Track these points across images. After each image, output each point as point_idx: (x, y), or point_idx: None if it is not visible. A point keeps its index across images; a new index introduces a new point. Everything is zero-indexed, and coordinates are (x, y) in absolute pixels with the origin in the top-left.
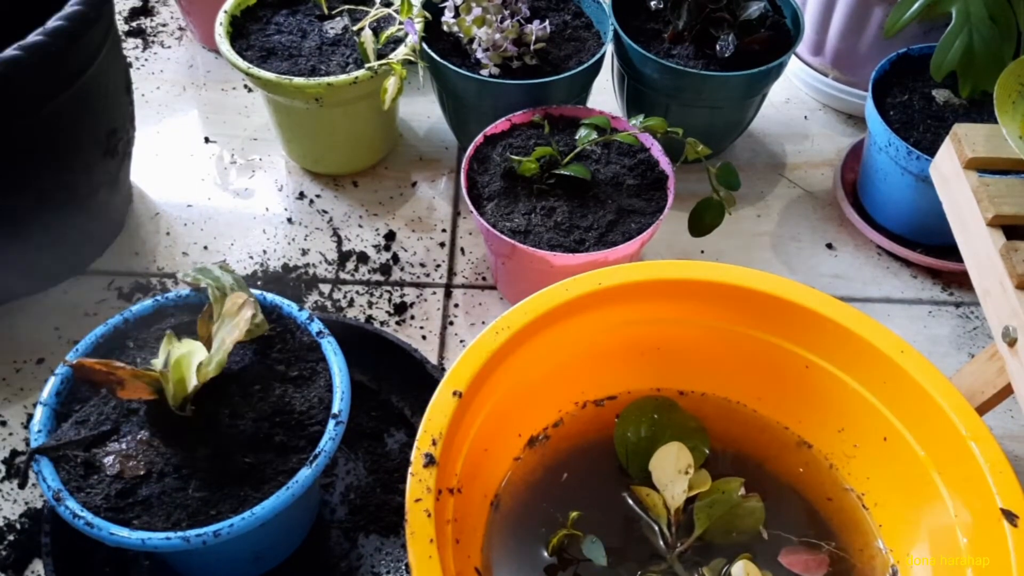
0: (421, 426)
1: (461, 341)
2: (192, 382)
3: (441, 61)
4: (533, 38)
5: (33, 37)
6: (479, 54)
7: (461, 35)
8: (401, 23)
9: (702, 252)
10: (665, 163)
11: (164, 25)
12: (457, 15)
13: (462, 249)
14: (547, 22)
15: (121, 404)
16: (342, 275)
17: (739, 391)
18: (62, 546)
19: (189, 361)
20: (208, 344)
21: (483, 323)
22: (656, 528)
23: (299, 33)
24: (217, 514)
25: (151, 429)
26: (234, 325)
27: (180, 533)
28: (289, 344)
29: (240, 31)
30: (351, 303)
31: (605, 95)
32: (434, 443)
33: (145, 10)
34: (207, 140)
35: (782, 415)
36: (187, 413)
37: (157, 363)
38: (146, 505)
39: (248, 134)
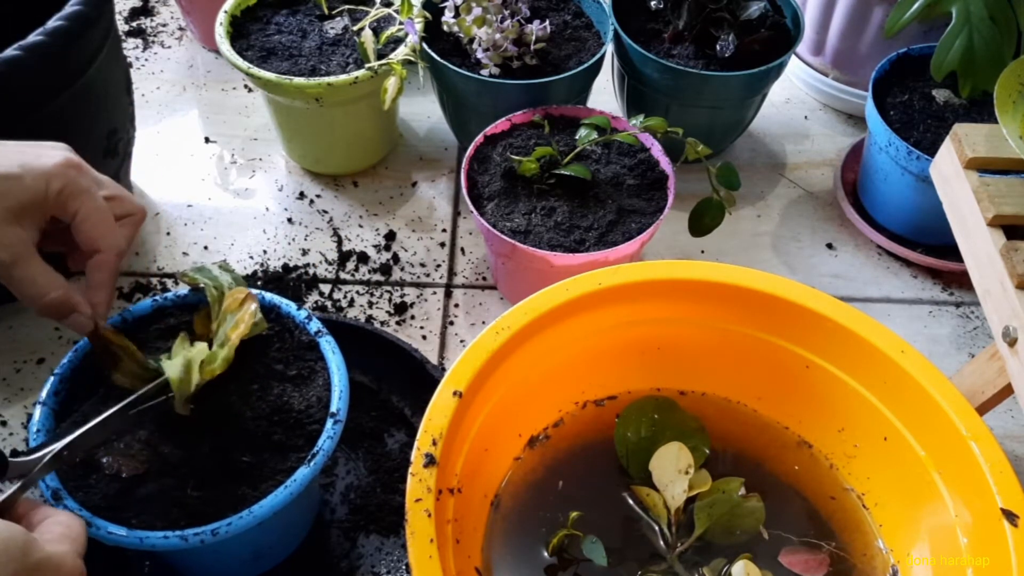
0: (421, 426)
1: (461, 341)
2: (195, 380)
3: (441, 61)
4: (533, 38)
5: (33, 37)
6: (479, 54)
7: (461, 35)
8: (401, 23)
9: (702, 252)
10: (665, 163)
11: (164, 25)
12: (457, 15)
13: (462, 249)
14: (547, 22)
15: None
16: (342, 275)
17: (739, 391)
18: None
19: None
20: (207, 343)
21: (483, 323)
22: (656, 528)
23: (299, 33)
24: (215, 513)
25: (150, 428)
26: (238, 320)
27: (178, 532)
28: (288, 343)
29: (240, 31)
30: (351, 303)
31: (605, 95)
32: (434, 443)
33: (145, 10)
34: (207, 140)
35: (782, 415)
36: (186, 412)
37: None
38: (145, 504)
39: (248, 134)
